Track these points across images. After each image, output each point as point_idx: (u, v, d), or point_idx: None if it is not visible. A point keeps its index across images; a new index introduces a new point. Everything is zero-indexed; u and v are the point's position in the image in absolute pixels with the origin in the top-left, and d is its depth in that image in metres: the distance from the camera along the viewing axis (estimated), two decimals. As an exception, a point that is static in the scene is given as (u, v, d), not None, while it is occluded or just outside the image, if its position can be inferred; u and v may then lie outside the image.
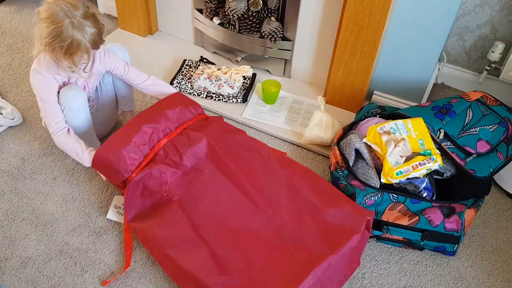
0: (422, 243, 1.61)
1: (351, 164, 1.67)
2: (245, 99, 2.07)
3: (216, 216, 1.55)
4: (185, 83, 2.11)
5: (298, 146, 1.94)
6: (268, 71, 2.23)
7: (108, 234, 1.61)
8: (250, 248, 1.48)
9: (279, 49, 2.10)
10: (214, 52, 2.31)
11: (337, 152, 1.69)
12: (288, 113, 2.04)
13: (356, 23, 1.79)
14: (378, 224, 1.61)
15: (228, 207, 1.57)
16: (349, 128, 1.81)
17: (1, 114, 1.93)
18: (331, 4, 1.89)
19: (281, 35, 2.04)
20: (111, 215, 1.64)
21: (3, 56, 2.26)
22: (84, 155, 1.61)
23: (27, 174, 1.77)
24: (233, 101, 2.06)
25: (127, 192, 1.55)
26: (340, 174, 1.66)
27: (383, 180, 1.62)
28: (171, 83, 2.11)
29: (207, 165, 1.65)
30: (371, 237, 1.67)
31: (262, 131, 1.99)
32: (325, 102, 2.03)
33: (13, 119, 1.93)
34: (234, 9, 2.03)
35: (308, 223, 1.52)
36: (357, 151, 1.69)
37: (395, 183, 1.62)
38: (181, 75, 2.16)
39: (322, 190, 1.60)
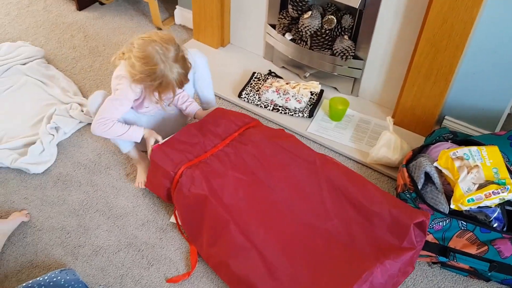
0: (489, 274, 1.56)
1: (419, 187, 1.65)
2: (311, 114, 2.10)
3: (263, 221, 1.56)
4: (253, 95, 2.17)
5: (363, 165, 1.94)
6: (335, 88, 2.25)
7: (174, 232, 1.67)
8: (299, 253, 1.49)
9: (349, 67, 2.12)
10: (283, 67, 2.37)
11: (406, 174, 1.68)
12: (354, 131, 2.05)
13: (433, 46, 1.78)
14: (445, 250, 1.57)
15: (274, 212, 1.58)
16: (419, 151, 1.79)
17: (82, 111, 2.06)
18: (408, 26, 1.90)
19: (353, 54, 2.06)
20: (173, 219, 1.70)
21: (85, 58, 2.42)
22: (132, 130, 1.67)
23: (102, 168, 1.87)
24: (299, 115, 2.10)
25: (177, 203, 1.61)
26: (407, 196, 1.64)
27: (452, 206, 1.58)
28: (240, 94, 2.17)
29: (252, 172, 1.66)
30: (434, 263, 1.63)
31: (326, 147, 2.01)
32: (394, 124, 2.02)
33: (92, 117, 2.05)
34: (308, 25, 2.08)
35: (357, 228, 1.52)
36: (426, 175, 1.67)
37: (465, 210, 1.59)
38: (250, 86, 2.22)
39: (370, 193, 1.58)
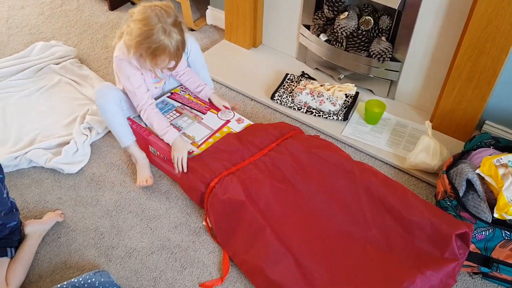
0: (535, 288, 1.49)
1: (461, 194, 1.59)
2: (346, 117, 2.05)
3: (300, 229, 1.53)
4: (286, 97, 2.13)
5: (400, 170, 1.88)
6: (371, 91, 2.19)
7: (207, 235, 1.65)
8: (336, 261, 1.45)
9: (385, 69, 2.06)
10: (316, 68, 2.32)
11: (446, 181, 1.62)
12: (391, 135, 1.99)
13: (476, 48, 1.71)
14: (487, 261, 1.51)
15: (311, 221, 1.55)
16: (460, 157, 1.72)
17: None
18: (449, 27, 1.83)
19: (391, 56, 2.01)
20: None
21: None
22: (167, 132, 1.71)
23: (135, 169, 1.86)
24: (333, 118, 2.05)
25: (211, 208, 1.59)
26: (448, 204, 1.58)
27: (496, 215, 1.52)
28: (273, 96, 2.14)
29: (289, 181, 1.65)
30: (476, 273, 1.57)
31: (361, 151, 1.96)
32: (432, 128, 1.95)
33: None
34: (344, 26, 2.03)
35: (396, 238, 1.47)
36: (468, 182, 1.60)
37: (509, 219, 1.52)
38: (283, 88, 2.18)
39: (410, 203, 1.53)
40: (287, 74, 2.25)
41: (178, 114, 1.89)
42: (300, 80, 2.22)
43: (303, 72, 2.30)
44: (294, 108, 2.10)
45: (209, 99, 1.95)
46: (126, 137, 1.79)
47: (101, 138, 1.99)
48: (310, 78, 2.26)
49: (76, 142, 1.90)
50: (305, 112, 2.08)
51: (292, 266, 1.43)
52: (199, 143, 1.78)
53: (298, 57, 2.38)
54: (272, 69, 2.34)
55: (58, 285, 1.39)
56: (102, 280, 1.43)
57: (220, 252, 1.59)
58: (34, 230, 1.59)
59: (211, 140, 1.79)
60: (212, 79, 2.24)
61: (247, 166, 1.67)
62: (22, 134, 1.98)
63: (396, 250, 1.44)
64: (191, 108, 1.93)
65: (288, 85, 2.20)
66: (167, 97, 1.97)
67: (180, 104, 1.94)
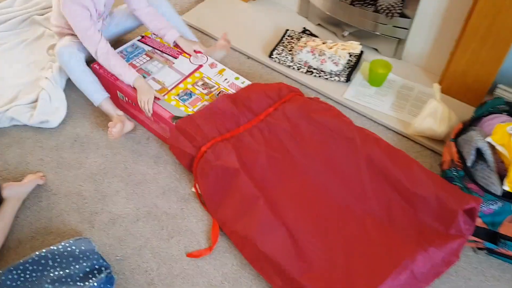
0: (542, 265, 1.40)
1: (469, 164, 1.48)
2: (348, 78, 1.91)
3: (295, 200, 1.45)
4: (285, 55, 1.98)
5: (404, 136, 1.76)
6: (376, 50, 2.04)
7: (196, 202, 1.55)
8: (333, 235, 1.37)
9: (394, 26, 1.90)
10: (319, 24, 2.16)
11: (454, 149, 1.50)
12: (396, 98, 1.86)
13: (494, 5, 1.55)
14: (494, 236, 1.42)
15: (307, 192, 1.46)
16: (470, 123, 1.60)
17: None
18: (466, -19, 1.66)
19: (400, 11, 1.84)
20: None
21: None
22: (126, 72, 1.65)
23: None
24: (335, 79, 1.91)
25: (201, 173, 1.50)
26: (454, 174, 1.47)
27: (506, 188, 1.41)
28: (271, 54, 1.99)
29: (286, 150, 1.55)
30: (480, 248, 1.48)
31: (364, 115, 1.83)
32: (440, 91, 1.81)
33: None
34: (350, -22, 1.86)
35: (398, 211, 1.39)
36: (478, 151, 1.49)
37: (520, 192, 1.42)
38: (282, 46, 2.03)
39: (414, 174, 1.43)
40: (287, 30, 2.10)
41: (148, 58, 1.82)
42: (301, 37, 2.07)
43: (304, 28, 2.14)
44: (293, 68, 1.96)
45: (175, 44, 1.84)
46: (98, 94, 1.72)
47: (85, 97, 1.86)
48: (312, 35, 2.10)
49: (44, 87, 1.79)
50: (305, 72, 1.94)
51: (285, 239, 1.35)
52: (169, 88, 1.71)
53: (300, 11, 2.21)
54: (271, 24, 2.18)
55: (37, 253, 1.32)
56: (83, 248, 1.35)
57: (209, 220, 1.51)
58: (13, 193, 1.50)
59: (181, 86, 1.72)
60: (205, 34, 2.09)
61: (242, 134, 1.58)
62: (3, 90, 1.86)
63: (398, 224, 1.35)
64: (162, 52, 1.85)
65: (288, 42, 2.05)
66: (138, 40, 1.89)
67: (151, 48, 1.86)
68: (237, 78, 1.76)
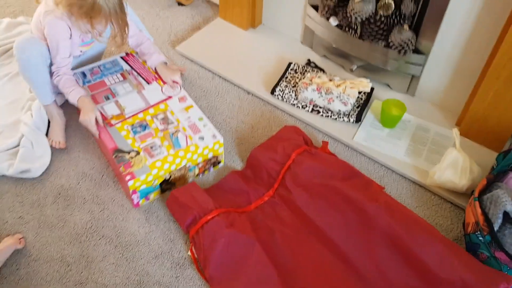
0: None
1: (496, 228, 1.33)
2: (359, 119, 1.75)
3: (312, 279, 1.31)
4: (289, 92, 1.83)
5: (421, 186, 1.61)
6: (388, 85, 1.89)
7: (192, 268, 1.39)
8: None
9: (406, 62, 1.74)
10: (324, 55, 2.00)
11: (479, 210, 1.35)
12: (411, 142, 1.70)
13: (523, 46, 1.40)
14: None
15: (323, 273, 1.32)
16: (494, 179, 1.45)
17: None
18: (489, 17, 1.51)
19: (413, 47, 1.69)
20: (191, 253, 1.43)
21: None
22: (71, 91, 1.61)
23: (110, 181, 1.60)
24: (343, 120, 1.76)
25: (205, 238, 1.35)
26: (480, 240, 1.32)
27: (539, 257, 1.26)
28: (273, 91, 1.83)
29: (300, 224, 1.43)
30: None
31: (376, 161, 1.68)
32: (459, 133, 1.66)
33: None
34: (359, 11, 1.70)
35: None
36: (505, 214, 1.34)
37: (555, 261, 1.27)
38: (285, 81, 1.87)
39: (439, 254, 1.27)
40: (290, 64, 1.94)
41: (121, 79, 1.73)
42: (305, 70, 1.91)
43: (308, 60, 1.98)
44: (298, 106, 1.80)
45: (155, 70, 1.76)
46: (48, 96, 1.66)
47: (72, 142, 1.70)
48: (317, 67, 1.94)
49: (25, 134, 1.64)
50: (311, 111, 1.79)
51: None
52: (126, 116, 1.61)
53: (304, 41, 2.05)
54: (273, 54, 2.02)
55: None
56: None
57: (207, 291, 1.35)
58: (-12, 260, 1.35)
59: (140, 115, 1.61)
60: (202, 66, 1.94)
61: (254, 211, 1.46)
62: (-20, 135, 1.70)
63: None
64: (138, 74, 1.73)
65: (291, 76, 1.89)
66: (120, 57, 1.79)
67: (129, 68, 1.76)
68: (200, 119, 1.59)
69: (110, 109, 1.63)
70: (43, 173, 1.61)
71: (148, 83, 1.70)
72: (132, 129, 1.57)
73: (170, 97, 1.66)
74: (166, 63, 1.76)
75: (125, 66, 1.77)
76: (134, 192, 1.48)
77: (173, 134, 1.55)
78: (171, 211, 1.47)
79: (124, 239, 1.46)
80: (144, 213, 1.52)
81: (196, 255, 1.38)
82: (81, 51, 1.69)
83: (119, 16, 1.51)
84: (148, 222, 1.50)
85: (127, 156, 1.50)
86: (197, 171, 1.58)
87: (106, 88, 1.70)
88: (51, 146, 1.66)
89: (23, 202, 1.54)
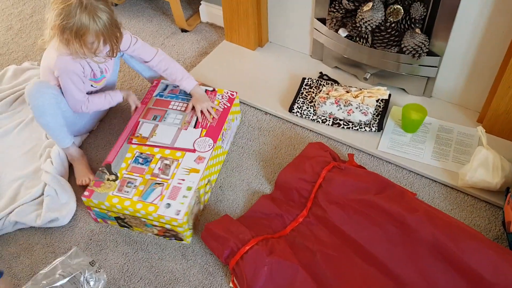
0: None
1: (540, 225, 1.31)
2: (380, 127, 1.74)
3: None
4: (307, 108, 1.81)
5: (453, 188, 1.59)
6: (403, 89, 1.87)
7: (236, 300, 1.37)
8: None
9: (420, 65, 1.73)
10: (336, 66, 1.99)
11: (520, 208, 1.33)
12: (436, 144, 1.68)
13: (542, 39, 1.39)
14: None
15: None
16: (530, 174, 1.43)
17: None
18: (504, 10, 1.49)
19: (427, 50, 1.68)
20: (232, 284, 1.40)
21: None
22: (110, 96, 1.68)
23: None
24: (365, 130, 1.74)
25: (247, 268, 1.33)
26: (525, 238, 1.30)
27: None
28: (291, 109, 1.82)
29: (338, 243, 1.40)
30: None
31: (404, 168, 1.66)
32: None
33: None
34: (369, 20, 1.69)
35: None
36: (548, 208, 1.32)
37: None
38: (301, 97, 1.86)
39: (487, 259, 1.24)
40: (303, 79, 1.93)
41: (182, 109, 1.72)
42: (320, 84, 1.90)
43: (321, 73, 1.97)
44: (317, 121, 1.79)
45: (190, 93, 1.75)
46: (67, 138, 1.67)
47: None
48: (330, 80, 1.93)
49: (47, 182, 1.62)
50: (331, 125, 1.77)
51: None
52: (147, 143, 1.61)
53: (313, 55, 2.05)
54: (284, 71, 2.01)
55: None
56: None
57: (255, 322, 1.32)
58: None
59: (156, 150, 1.59)
60: (206, 87, 1.92)
61: (291, 234, 1.44)
62: (2, 187, 1.68)
63: None
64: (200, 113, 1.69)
65: (306, 92, 1.88)
66: (206, 90, 1.78)
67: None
68: (189, 189, 1.46)
69: (145, 128, 1.66)
70: (71, 219, 1.58)
71: (194, 127, 1.65)
72: (137, 156, 1.57)
73: (194, 150, 1.58)
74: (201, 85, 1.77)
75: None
76: (89, 208, 1.52)
77: (154, 184, 1.49)
78: (207, 244, 1.45)
79: (163, 279, 1.43)
80: (180, 249, 1.50)
81: (239, 287, 1.36)
82: (92, 86, 1.67)
83: (110, 31, 1.45)
84: (185, 258, 1.47)
85: (106, 176, 1.53)
86: (155, 231, 1.50)
87: (163, 110, 1.71)
88: (81, 185, 1.64)
89: (55, 252, 1.51)
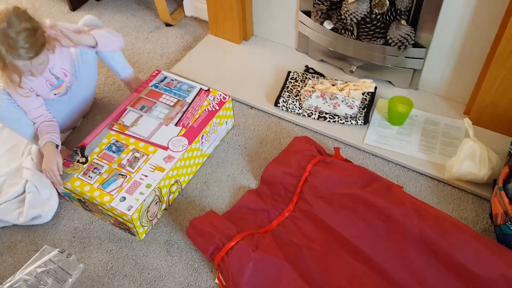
0: None
1: (526, 216, 1.30)
2: (366, 120, 1.73)
3: None
4: (293, 102, 1.80)
5: (440, 181, 1.58)
6: (390, 82, 1.86)
7: (222, 297, 1.36)
8: None
9: (406, 57, 1.72)
10: (322, 60, 1.98)
11: (506, 200, 1.32)
12: (422, 137, 1.68)
13: (526, 29, 1.38)
14: None
15: (358, 284, 1.29)
16: (516, 165, 1.43)
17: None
18: (489, 2, 1.49)
19: (413, 42, 1.67)
20: (218, 281, 1.38)
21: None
22: (42, 137, 1.56)
23: (124, 217, 1.55)
24: (351, 123, 1.73)
25: (233, 265, 1.31)
26: None
27: None
28: (276, 103, 1.80)
29: (324, 238, 1.39)
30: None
31: (390, 161, 1.65)
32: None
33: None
34: (354, 12, 1.67)
35: None
36: (534, 199, 1.32)
37: None
38: (287, 91, 1.84)
39: (476, 252, 1.24)
40: (289, 73, 1.91)
41: (171, 104, 1.69)
42: (306, 78, 1.88)
43: (306, 66, 1.95)
44: (303, 115, 1.77)
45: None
46: (28, 130, 1.59)
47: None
48: (316, 73, 1.92)
49: (28, 179, 1.59)
50: (317, 119, 1.76)
51: None
52: (126, 132, 1.60)
53: (299, 48, 2.03)
54: (269, 65, 1.99)
55: None
56: None
57: (241, 318, 1.31)
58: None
59: (132, 141, 1.58)
60: (201, 85, 1.90)
61: (277, 229, 1.42)
62: (-16, 185, 1.65)
63: None
64: (184, 112, 1.66)
65: (292, 85, 1.86)
66: (201, 88, 1.74)
67: (190, 102, 1.69)
68: (148, 186, 1.44)
69: (129, 117, 1.66)
70: (54, 216, 1.56)
71: (175, 125, 1.61)
72: (111, 143, 1.58)
73: (166, 148, 1.55)
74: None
75: (191, 98, 1.70)
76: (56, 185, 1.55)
77: (117, 175, 1.48)
78: (192, 240, 1.43)
79: (148, 276, 1.41)
80: (165, 246, 1.48)
81: (224, 283, 1.34)
82: (55, 94, 1.62)
83: (32, 52, 1.36)
84: (169, 255, 1.46)
85: (77, 157, 1.55)
86: (112, 220, 1.50)
87: (153, 101, 1.70)
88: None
89: (38, 250, 1.49)
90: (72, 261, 1.41)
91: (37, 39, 1.36)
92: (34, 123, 1.58)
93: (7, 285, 1.33)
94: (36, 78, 1.50)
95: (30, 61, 1.37)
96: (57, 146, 1.56)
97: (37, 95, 1.57)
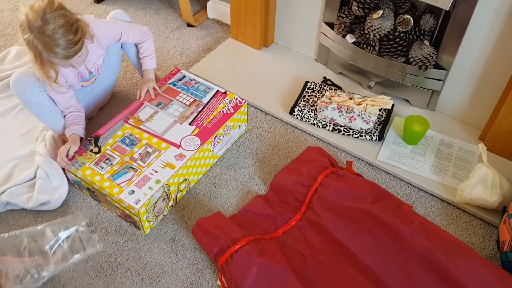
0: None
1: (535, 246, 1.30)
2: (381, 137, 1.73)
3: None
4: (308, 112, 1.80)
5: (450, 204, 1.58)
6: (407, 101, 1.86)
7: (223, 299, 1.36)
8: None
9: (426, 77, 1.73)
10: (340, 73, 1.98)
11: (516, 228, 1.32)
12: (435, 158, 1.67)
13: (550, 60, 1.38)
14: None
15: None
16: (528, 195, 1.42)
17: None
18: (512, 31, 1.49)
19: (434, 63, 1.67)
20: (220, 282, 1.38)
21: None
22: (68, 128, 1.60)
23: (132, 211, 1.56)
24: (366, 138, 1.73)
25: (237, 268, 1.31)
26: (519, 258, 1.29)
27: None
28: (292, 111, 1.81)
29: (330, 249, 1.39)
30: None
31: (402, 179, 1.65)
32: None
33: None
34: (378, 28, 1.68)
35: None
36: (544, 230, 1.31)
37: None
38: (303, 100, 1.85)
39: (480, 277, 1.24)
40: (306, 82, 1.92)
41: (187, 103, 1.70)
42: (323, 88, 1.89)
43: (324, 78, 1.96)
44: (318, 126, 1.78)
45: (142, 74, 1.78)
46: (59, 124, 1.63)
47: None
48: (334, 85, 1.92)
49: (40, 165, 1.60)
50: (331, 131, 1.76)
51: None
52: (141, 127, 1.62)
53: (318, 59, 2.04)
54: (287, 73, 2.00)
55: None
56: None
57: (240, 323, 1.31)
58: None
59: (145, 135, 1.59)
60: (218, 88, 1.91)
61: (282, 237, 1.42)
62: (-3, 166, 1.66)
63: None
64: (199, 113, 1.66)
65: (309, 95, 1.87)
66: (218, 91, 1.75)
67: (206, 103, 1.70)
68: (157, 182, 1.46)
69: (145, 112, 1.67)
70: (63, 204, 1.57)
71: (190, 124, 1.62)
72: (125, 136, 1.59)
73: (178, 145, 1.56)
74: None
75: (207, 99, 1.71)
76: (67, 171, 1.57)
77: (128, 168, 1.50)
78: (197, 240, 1.43)
79: (151, 271, 1.42)
80: (170, 243, 1.48)
81: (226, 285, 1.34)
82: (82, 86, 1.65)
83: (75, 50, 1.37)
84: (174, 252, 1.46)
85: (90, 147, 1.56)
86: (118, 212, 1.51)
87: (170, 99, 1.71)
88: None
89: (44, 236, 1.49)
90: (94, 238, 1.44)
91: (74, 35, 1.34)
92: (63, 112, 1.60)
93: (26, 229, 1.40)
94: (69, 68, 1.51)
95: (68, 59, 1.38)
96: (81, 138, 1.60)
97: (69, 87, 1.59)
